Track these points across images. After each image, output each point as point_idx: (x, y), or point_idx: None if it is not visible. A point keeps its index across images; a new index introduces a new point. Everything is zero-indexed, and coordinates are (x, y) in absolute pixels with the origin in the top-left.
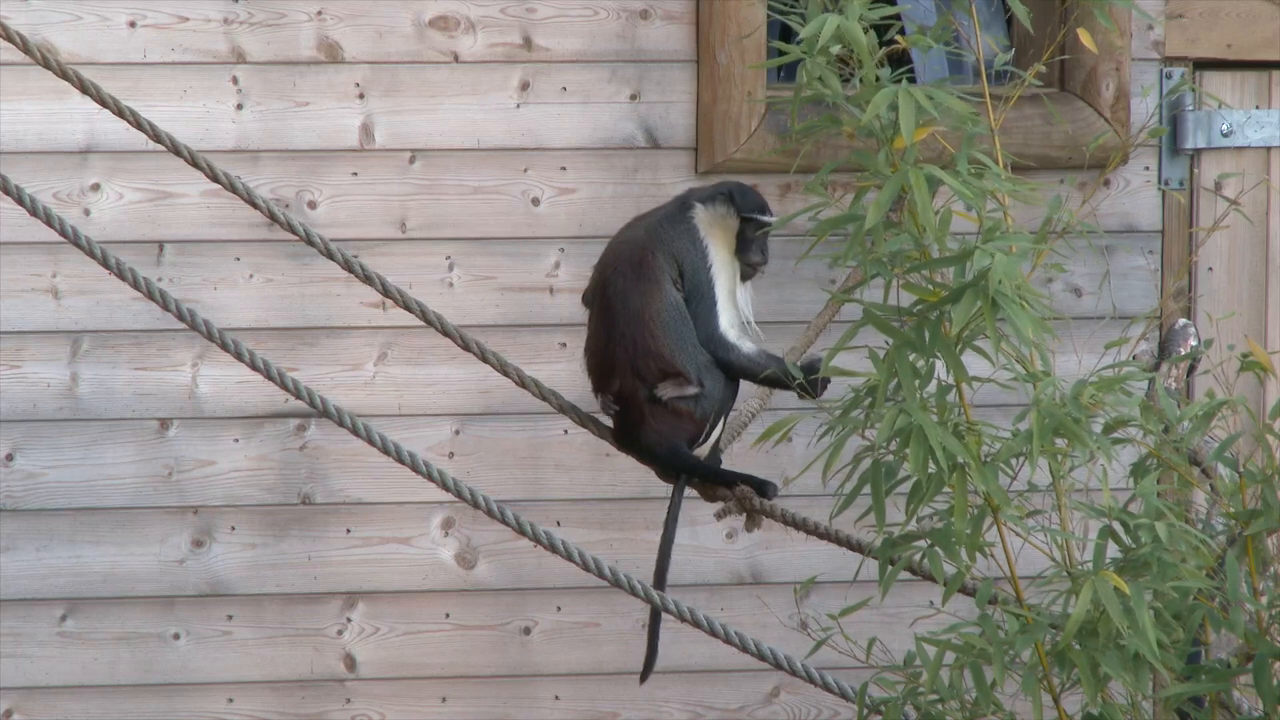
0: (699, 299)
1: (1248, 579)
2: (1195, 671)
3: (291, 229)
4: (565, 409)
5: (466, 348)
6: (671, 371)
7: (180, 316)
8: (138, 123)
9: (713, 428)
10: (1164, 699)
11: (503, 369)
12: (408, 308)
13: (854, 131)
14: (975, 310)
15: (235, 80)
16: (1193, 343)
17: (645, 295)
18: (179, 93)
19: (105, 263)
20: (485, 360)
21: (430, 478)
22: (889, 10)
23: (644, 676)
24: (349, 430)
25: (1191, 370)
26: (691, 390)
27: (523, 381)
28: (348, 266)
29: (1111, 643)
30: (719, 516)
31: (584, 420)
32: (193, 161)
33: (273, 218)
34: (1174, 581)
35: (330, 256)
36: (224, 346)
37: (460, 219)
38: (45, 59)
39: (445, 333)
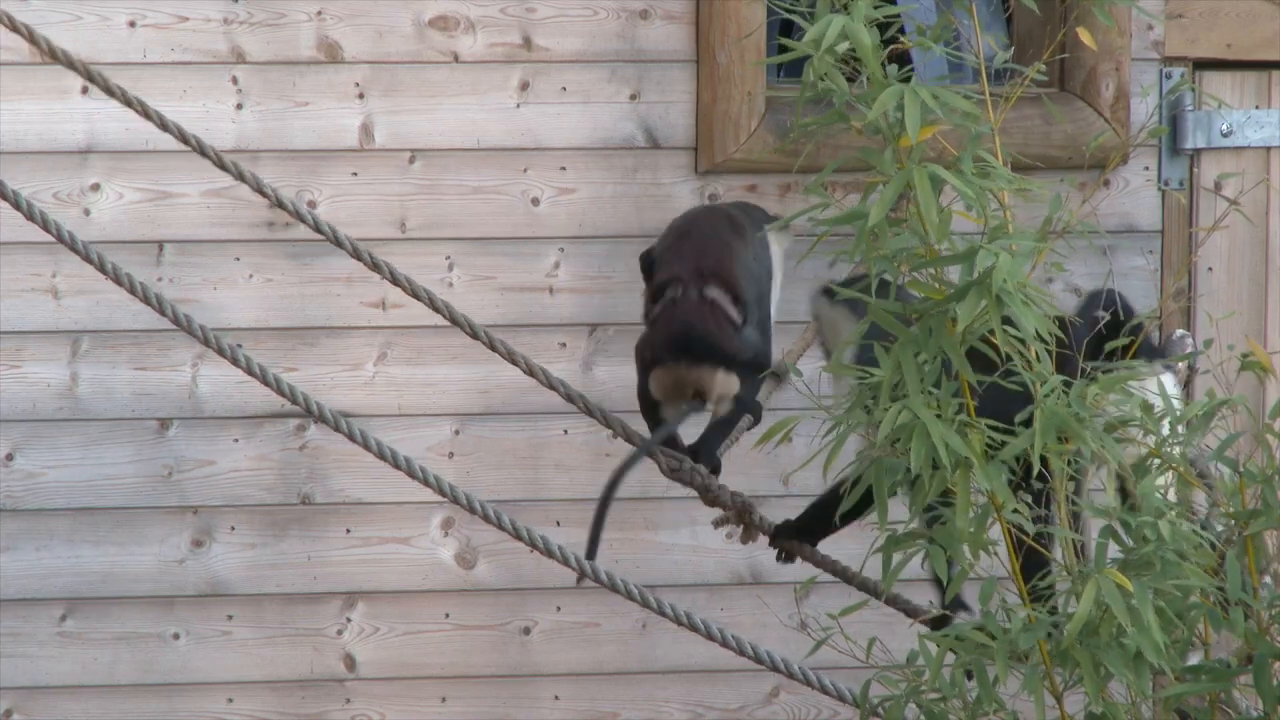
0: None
1: (1247, 579)
2: (1195, 671)
3: (300, 217)
4: (574, 397)
5: (475, 336)
6: (730, 288)
7: (176, 321)
8: (145, 112)
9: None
10: (1164, 699)
11: (510, 357)
12: (416, 295)
13: (861, 129)
14: (980, 308)
15: (235, 80)
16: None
17: (731, 239)
18: (179, 93)
19: (102, 267)
20: (493, 348)
21: (426, 483)
22: (893, 10)
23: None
24: (345, 436)
25: (1189, 380)
26: (735, 314)
27: (530, 369)
28: (356, 254)
29: (1114, 641)
30: (716, 525)
31: (590, 409)
32: (200, 150)
33: (280, 205)
34: (1176, 580)
35: (339, 244)
36: (220, 352)
37: (460, 219)
38: (53, 50)
39: (453, 321)
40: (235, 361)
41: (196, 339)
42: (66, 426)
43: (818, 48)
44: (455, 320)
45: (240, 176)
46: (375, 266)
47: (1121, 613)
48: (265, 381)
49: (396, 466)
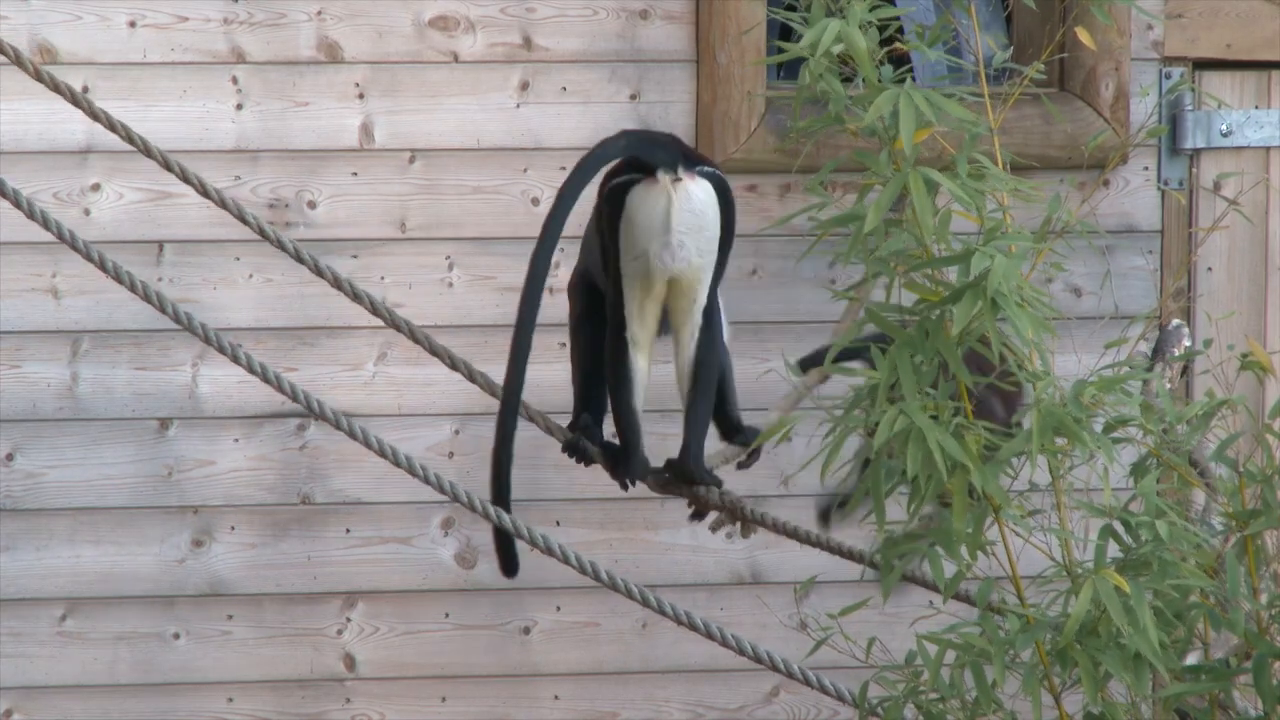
0: None
1: (1247, 579)
2: (1195, 671)
3: (282, 246)
4: (553, 430)
5: (454, 368)
6: None
7: (177, 319)
8: (129, 137)
9: None
10: (1163, 699)
11: (490, 390)
12: (396, 327)
13: (857, 131)
14: (976, 310)
15: (235, 80)
16: (1186, 344)
17: None
18: (179, 92)
19: (102, 265)
20: (473, 380)
21: (427, 480)
22: (890, 12)
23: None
24: (345, 433)
25: (1185, 371)
26: None
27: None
28: (336, 284)
29: (1112, 642)
30: (713, 529)
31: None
32: (183, 177)
33: (263, 235)
34: (1174, 580)
35: (319, 274)
36: (220, 349)
37: (460, 219)
38: (39, 73)
39: (433, 352)
40: (236, 360)
41: (197, 337)
42: (66, 426)
43: (814, 52)
44: (435, 352)
45: (222, 204)
46: (356, 297)
47: (1118, 614)
48: (266, 380)
49: (397, 464)
